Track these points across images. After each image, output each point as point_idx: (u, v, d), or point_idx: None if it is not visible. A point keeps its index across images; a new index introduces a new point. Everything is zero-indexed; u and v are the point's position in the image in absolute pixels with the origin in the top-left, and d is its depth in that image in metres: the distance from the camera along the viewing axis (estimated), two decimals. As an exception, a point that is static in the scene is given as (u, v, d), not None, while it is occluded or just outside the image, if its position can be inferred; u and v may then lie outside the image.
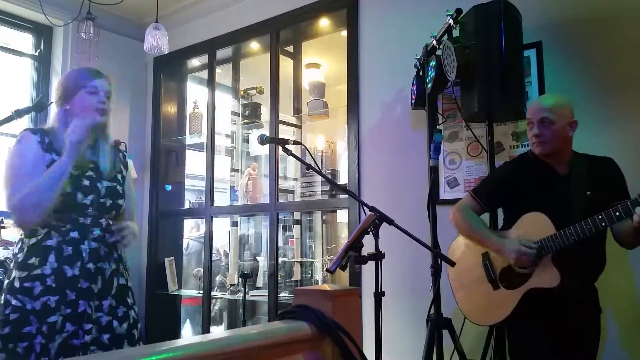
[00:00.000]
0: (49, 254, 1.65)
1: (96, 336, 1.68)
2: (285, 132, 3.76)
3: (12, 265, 1.69)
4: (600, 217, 1.69)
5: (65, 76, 1.84)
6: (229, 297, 3.66)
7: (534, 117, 1.90)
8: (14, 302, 1.60)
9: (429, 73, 2.36)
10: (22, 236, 1.72)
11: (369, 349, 1.47)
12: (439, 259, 2.17)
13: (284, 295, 3.47)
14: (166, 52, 3.23)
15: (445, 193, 2.66)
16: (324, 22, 3.41)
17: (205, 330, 3.62)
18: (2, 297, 1.65)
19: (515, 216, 1.94)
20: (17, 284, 1.62)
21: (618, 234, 1.84)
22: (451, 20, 2.18)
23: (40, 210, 1.62)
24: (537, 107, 1.90)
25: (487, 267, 1.97)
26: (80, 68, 1.87)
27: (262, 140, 2.06)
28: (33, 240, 1.67)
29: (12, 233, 3.09)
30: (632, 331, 2.15)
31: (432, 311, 2.21)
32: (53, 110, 1.83)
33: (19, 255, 1.68)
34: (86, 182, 1.74)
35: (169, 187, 4.14)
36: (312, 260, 3.85)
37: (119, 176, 1.89)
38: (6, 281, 1.67)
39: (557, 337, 1.84)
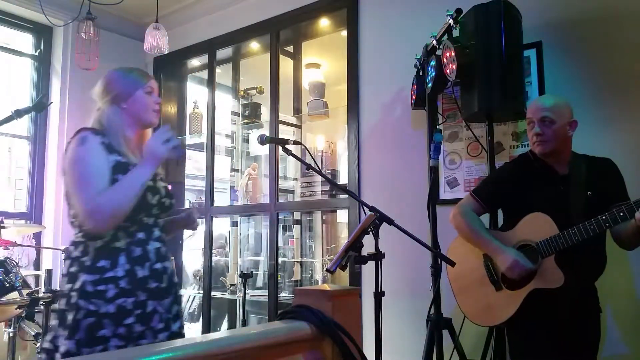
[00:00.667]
0: (119, 256, 1.60)
1: (164, 335, 1.67)
2: (285, 132, 3.76)
3: (74, 268, 1.60)
4: (604, 217, 1.69)
5: (114, 75, 1.77)
6: (229, 297, 3.66)
7: (534, 116, 1.90)
8: (88, 306, 1.53)
9: (429, 73, 2.36)
10: (83, 238, 1.63)
11: (369, 349, 1.47)
12: (439, 259, 2.17)
13: (284, 295, 3.47)
14: (166, 52, 3.23)
15: (445, 193, 2.66)
16: (324, 22, 3.41)
17: (205, 330, 3.62)
18: (67, 301, 1.57)
19: (515, 216, 1.93)
20: (89, 288, 1.55)
21: (618, 234, 1.84)
22: (451, 20, 2.18)
23: (118, 216, 1.57)
24: (538, 107, 1.91)
25: (489, 267, 1.96)
26: (128, 67, 1.81)
27: (262, 140, 2.05)
28: (99, 242, 1.60)
29: (12, 233, 3.09)
30: (632, 331, 2.15)
31: (432, 311, 2.21)
32: (102, 109, 1.74)
33: (84, 259, 1.60)
34: (150, 182, 1.70)
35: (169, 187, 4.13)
36: (312, 260, 3.85)
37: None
38: (69, 285, 1.58)
39: (559, 338, 1.84)
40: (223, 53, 3.94)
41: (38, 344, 2.65)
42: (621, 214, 1.67)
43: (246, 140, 4.16)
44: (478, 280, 1.99)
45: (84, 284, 1.56)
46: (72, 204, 1.63)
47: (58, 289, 3.01)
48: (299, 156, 2.13)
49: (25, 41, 3.88)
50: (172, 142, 1.68)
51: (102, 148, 1.64)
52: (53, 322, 1.61)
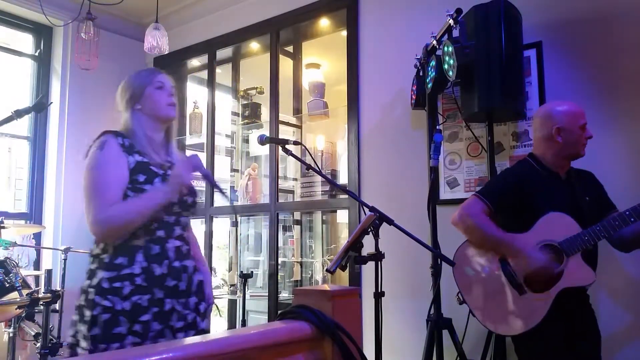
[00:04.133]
0: (137, 253, 1.61)
1: (184, 334, 1.67)
2: (285, 132, 3.76)
3: (94, 266, 1.63)
4: (628, 212, 1.74)
5: (126, 80, 1.81)
6: (229, 297, 3.66)
7: (585, 119, 1.94)
8: (104, 302, 1.55)
9: (429, 73, 2.36)
10: None
11: (369, 349, 1.47)
12: (438, 259, 2.17)
13: (284, 295, 3.46)
14: (166, 52, 3.23)
15: (445, 193, 2.66)
16: (324, 22, 3.41)
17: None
18: (85, 297, 1.59)
19: (523, 218, 1.89)
20: (105, 285, 1.57)
21: (622, 236, 1.86)
22: (451, 20, 2.18)
23: (128, 231, 1.60)
24: (583, 111, 1.96)
25: (510, 272, 1.88)
26: (139, 70, 1.85)
27: (262, 141, 2.06)
28: (119, 240, 1.62)
29: (12, 233, 3.09)
30: (632, 330, 2.15)
31: (432, 311, 2.21)
32: (123, 115, 1.78)
33: (103, 257, 1.62)
34: None
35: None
36: (312, 260, 3.85)
37: None
38: (87, 282, 1.61)
39: (573, 336, 1.85)
40: (223, 53, 3.94)
41: (38, 344, 2.64)
42: None
43: (246, 141, 4.15)
44: (497, 289, 1.89)
45: (101, 280, 1.58)
46: (85, 209, 1.61)
47: (58, 288, 3.02)
48: (299, 156, 2.13)
49: (25, 41, 3.88)
50: (199, 170, 1.72)
51: (121, 150, 1.65)
52: (74, 317, 1.62)
